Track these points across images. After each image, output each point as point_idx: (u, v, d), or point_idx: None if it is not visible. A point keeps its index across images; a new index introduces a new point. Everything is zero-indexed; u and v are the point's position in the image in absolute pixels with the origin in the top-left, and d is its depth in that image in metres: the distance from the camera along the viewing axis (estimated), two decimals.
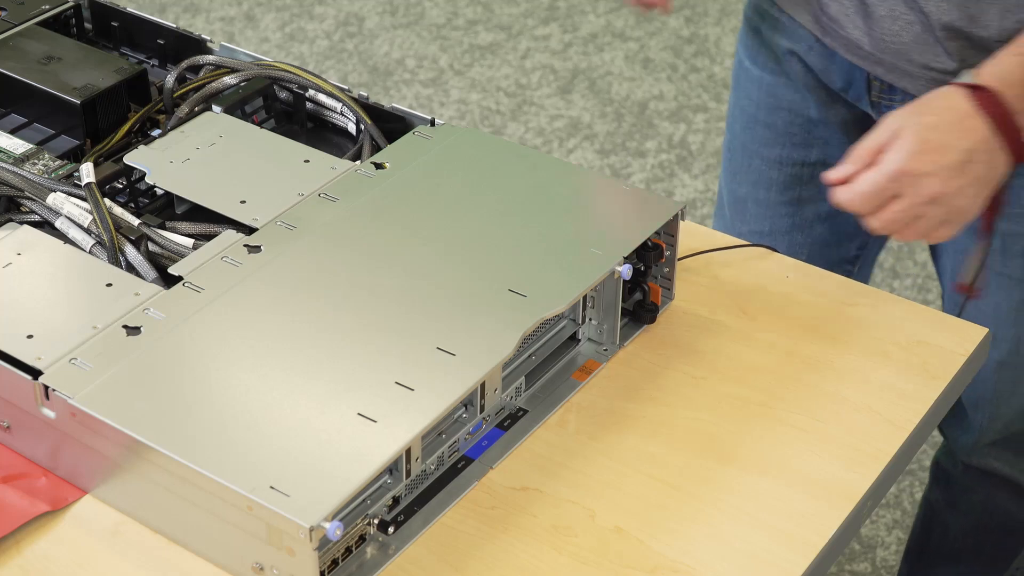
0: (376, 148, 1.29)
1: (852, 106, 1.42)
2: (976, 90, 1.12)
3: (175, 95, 1.34)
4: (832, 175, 1.15)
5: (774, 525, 1.06)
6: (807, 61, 1.42)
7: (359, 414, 1.02)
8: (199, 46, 1.41)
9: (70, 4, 1.46)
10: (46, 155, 1.29)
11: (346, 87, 1.33)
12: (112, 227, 1.18)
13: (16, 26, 1.41)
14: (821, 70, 1.41)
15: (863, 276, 1.59)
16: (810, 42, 1.40)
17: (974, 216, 1.14)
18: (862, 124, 1.41)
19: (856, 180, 1.13)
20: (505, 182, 1.23)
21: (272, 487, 0.96)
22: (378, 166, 1.25)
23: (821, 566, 1.05)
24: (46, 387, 1.05)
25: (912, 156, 1.10)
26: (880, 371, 1.18)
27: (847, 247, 1.55)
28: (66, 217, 1.20)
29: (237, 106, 1.33)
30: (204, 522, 1.01)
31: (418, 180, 1.23)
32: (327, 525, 0.95)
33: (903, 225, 1.14)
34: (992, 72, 1.13)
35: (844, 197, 1.14)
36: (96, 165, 1.25)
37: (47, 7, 1.44)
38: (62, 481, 1.08)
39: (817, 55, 1.40)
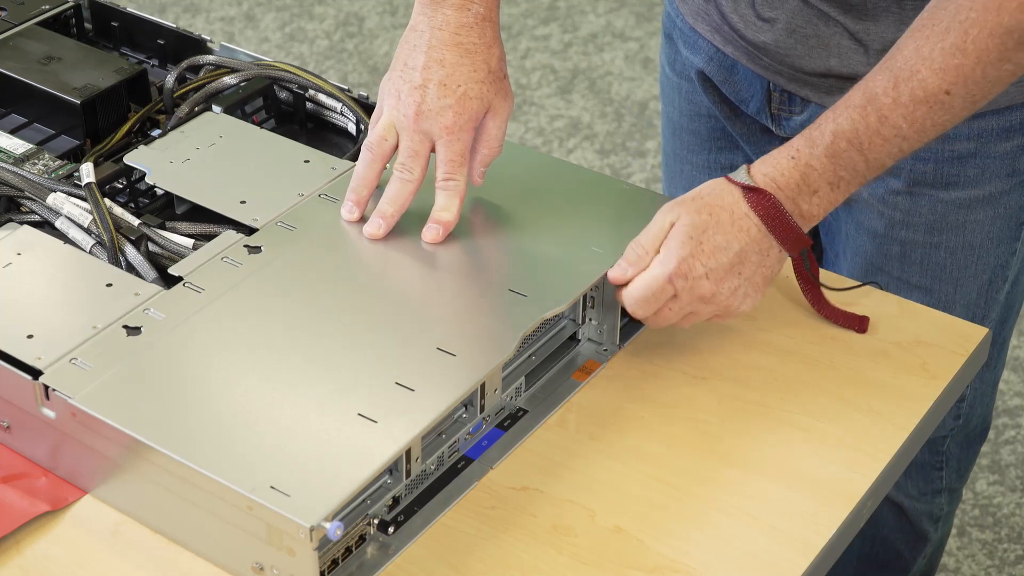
0: None
1: (754, 119, 1.42)
2: (750, 191, 1.12)
3: (175, 95, 1.34)
4: (613, 274, 1.14)
5: (774, 525, 1.06)
6: (708, 73, 1.42)
7: (359, 414, 1.02)
8: (199, 46, 1.41)
9: (70, 4, 1.46)
10: (46, 155, 1.29)
11: (346, 87, 1.33)
12: (112, 227, 1.18)
13: (16, 26, 1.41)
14: (722, 82, 1.41)
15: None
16: (711, 53, 1.40)
17: (747, 310, 1.15)
18: (768, 136, 1.42)
19: (633, 284, 1.13)
20: (505, 182, 1.23)
21: (272, 487, 0.96)
22: None
23: (821, 566, 1.05)
24: (46, 387, 1.05)
25: (685, 259, 1.11)
26: (880, 371, 1.18)
27: None
28: (66, 217, 1.20)
29: (237, 106, 1.33)
30: (204, 522, 1.01)
31: None
32: (327, 525, 0.95)
33: (676, 321, 1.15)
34: (768, 173, 1.13)
35: (626, 302, 1.14)
36: (96, 165, 1.25)
37: (47, 7, 1.44)
38: (62, 481, 1.08)
39: (717, 67, 1.40)
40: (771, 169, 1.13)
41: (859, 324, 1.21)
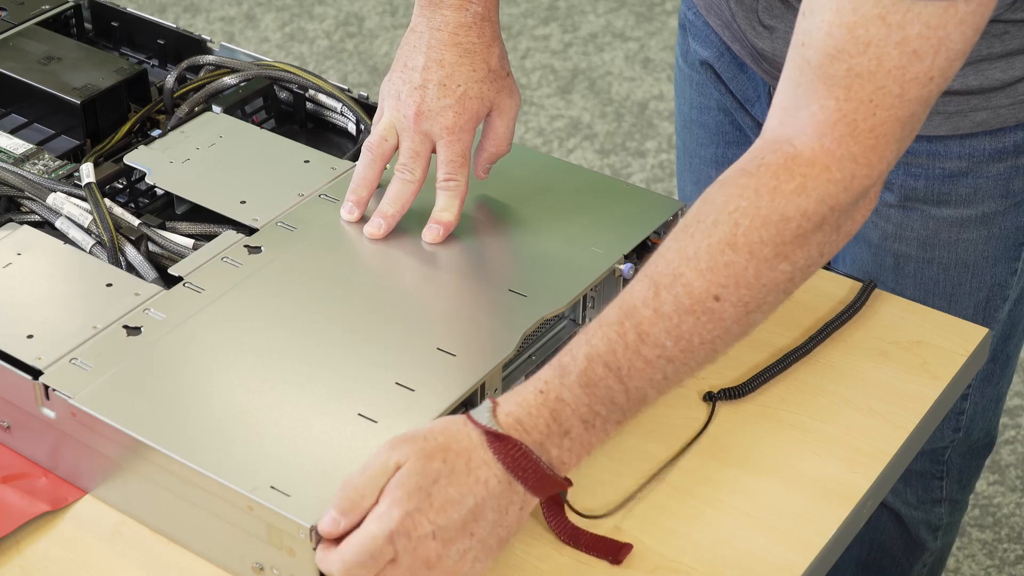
0: None
1: (759, 120, 1.41)
2: (493, 437, 0.95)
3: (175, 95, 1.34)
4: (324, 527, 0.94)
5: (774, 525, 1.06)
6: (717, 69, 1.41)
7: (359, 414, 1.02)
8: (199, 46, 1.41)
9: (70, 4, 1.46)
10: (46, 155, 1.29)
11: (346, 87, 1.33)
12: (112, 227, 1.18)
13: (16, 26, 1.41)
14: (730, 79, 1.41)
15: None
16: (721, 49, 1.40)
17: None
18: None
19: (345, 545, 0.93)
20: (505, 182, 1.24)
21: (272, 487, 0.96)
22: None
23: (821, 566, 1.05)
24: (46, 387, 1.05)
25: (410, 515, 0.92)
26: (880, 371, 1.18)
27: None
28: (66, 217, 1.20)
29: (237, 106, 1.33)
30: (204, 522, 1.01)
31: None
32: None
33: None
34: (513, 413, 0.95)
35: (328, 567, 0.94)
36: (96, 165, 1.25)
37: (47, 7, 1.44)
38: (62, 481, 1.08)
39: (727, 64, 1.40)
40: (517, 408, 0.96)
41: (615, 554, 1.02)
